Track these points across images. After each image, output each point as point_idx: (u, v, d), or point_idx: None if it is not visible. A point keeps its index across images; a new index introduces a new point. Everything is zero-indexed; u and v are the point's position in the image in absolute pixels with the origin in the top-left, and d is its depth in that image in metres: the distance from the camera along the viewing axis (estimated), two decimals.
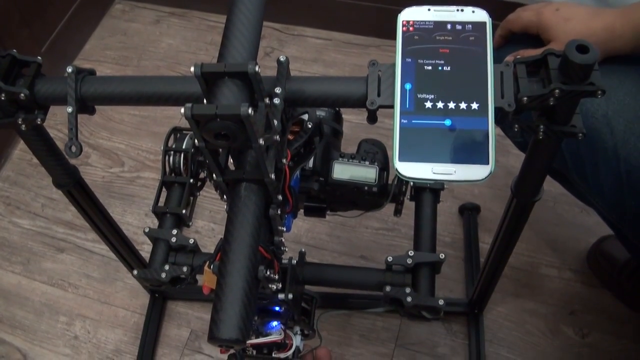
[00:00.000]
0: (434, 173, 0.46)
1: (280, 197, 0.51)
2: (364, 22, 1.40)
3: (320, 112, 0.77)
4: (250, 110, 0.39)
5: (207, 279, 0.51)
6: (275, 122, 0.47)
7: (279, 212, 0.51)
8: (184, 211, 0.72)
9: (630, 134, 0.65)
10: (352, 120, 1.19)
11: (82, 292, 1.11)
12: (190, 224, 0.76)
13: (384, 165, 0.74)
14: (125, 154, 1.29)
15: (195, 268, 0.66)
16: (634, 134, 0.65)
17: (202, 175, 0.77)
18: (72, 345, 1.06)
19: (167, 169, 0.75)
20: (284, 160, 0.52)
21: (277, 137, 0.47)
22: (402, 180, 0.75)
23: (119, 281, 1.12)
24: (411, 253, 0.66)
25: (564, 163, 0.73)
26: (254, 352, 0.66)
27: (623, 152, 0.65)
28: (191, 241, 0.67)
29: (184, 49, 1.46)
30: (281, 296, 0.58)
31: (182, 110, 0.40)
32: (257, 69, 0.42)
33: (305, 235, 1.14)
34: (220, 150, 0.51)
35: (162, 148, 0.74)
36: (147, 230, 0.70)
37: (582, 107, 0.67)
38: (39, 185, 1.26)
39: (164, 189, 0.76)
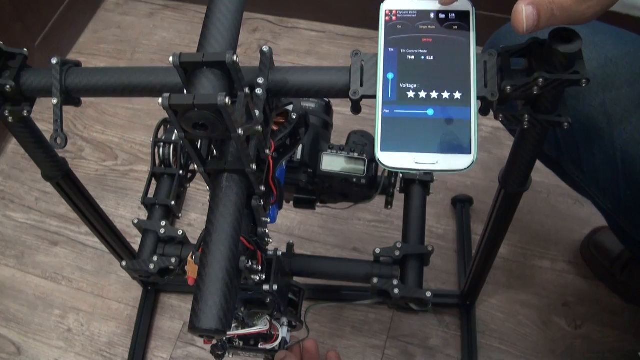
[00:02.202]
0: (416, 163, 0.45)
1: (262, 188, 0.51)
2: (357, 14, 1.39)
3: (310, 104, 0.77)
4: (227, 100, 0.39)
5: (190, 270, 0.51)
6: (257, 112, 0.46)
7: (261, 203, 0.51)
8: (173, 202, 0.72)
9: (627, 123, 0.64)
10: (345, 112, 1.18)
11: (76, 285, 1.12)
12: (180, 215, 0.76)
13: (373, 157, 0.73)
14: (119, 147, 1.29)
15: (184, 259, 0.67)
16: (631, 123, 0.64)
17: (192, 167, 0.77)
18: (66, 338, 1.06)
19: (157, 161, 0.75)
20: (267, 151, 0.52)
21: (259, 127, 0.47)
22: (391, 172, 0.75)
23: (112, 274, 1.12)
24: (399, 245, 0.66)
25: (559, 151, 0.72)
26: (241, 343, 0.66)
27: (619, 141, 0.64)
28: (180, 232, 0.67)
29: (178, 42, 1.46)
30: (266, 287, 0.58)
31: (160, 100, 0.40)
32: (235, 58, 0.42)
33: (297, 227, 1.13)
34: (202, 140, 0.51)
35: (152, 139, 0.74)
36: (136, 221, 0.70)
37: (579, 95, 0.67)
38: (33, 179, 1.26)
39: (154, 181, 0.76)
